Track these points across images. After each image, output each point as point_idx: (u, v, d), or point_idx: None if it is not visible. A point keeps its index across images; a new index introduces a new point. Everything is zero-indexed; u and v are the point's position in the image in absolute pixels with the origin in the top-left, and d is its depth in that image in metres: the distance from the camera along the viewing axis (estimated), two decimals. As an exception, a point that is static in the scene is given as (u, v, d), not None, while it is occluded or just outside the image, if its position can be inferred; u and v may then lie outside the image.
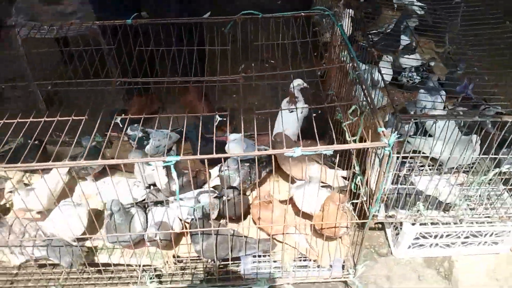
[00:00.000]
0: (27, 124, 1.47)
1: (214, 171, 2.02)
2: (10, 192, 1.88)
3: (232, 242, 1.72)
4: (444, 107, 2.17)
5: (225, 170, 1.88)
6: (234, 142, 1.95)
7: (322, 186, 1.90)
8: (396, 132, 1.29)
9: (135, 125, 2.11)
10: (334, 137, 1.34)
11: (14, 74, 2.91)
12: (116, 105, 2.82)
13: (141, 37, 1.87)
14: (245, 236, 1.79)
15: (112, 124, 1.48)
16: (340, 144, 1.47)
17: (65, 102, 2.73)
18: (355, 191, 1.68)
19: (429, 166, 2.12)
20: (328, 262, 1.80)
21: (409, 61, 2.46)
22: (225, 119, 2.27)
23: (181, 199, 1.76)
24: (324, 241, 1.77)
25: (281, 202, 1.98)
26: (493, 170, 1.75)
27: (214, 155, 1.33)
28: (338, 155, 1.55)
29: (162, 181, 1.80)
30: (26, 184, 2.00)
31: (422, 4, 2.78)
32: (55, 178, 1.88)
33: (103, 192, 1.84)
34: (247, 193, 1.98)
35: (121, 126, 2.12)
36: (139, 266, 1.82)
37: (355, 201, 1.64)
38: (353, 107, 1.49)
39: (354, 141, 1.57)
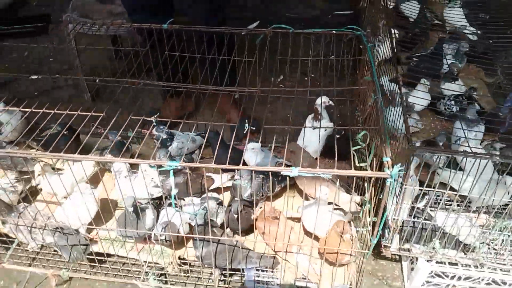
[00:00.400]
0: (51, 115, 1.57)
1: (218, 177, 2.02)
2: (39, 175, 2.00)
3: (233, 253, 1.72)
4: (481, 142, 2.04)
5: (237, 179, 1.88)
6: (251, 151, 1.96)
7: (335, 209, 1.85)
8: (401, 164, 1.23)
9: (161, 126, 2.19)
10: (336, 159, 1.29)
11: (65, 65, 3.13)
12: (157, 104, 2.94)
13: (174, 40, 1.92)
14: (248, 249, 1.78)
15: (127, 121, 1.53)
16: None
17: (107, 96, 2.89)
18: (362, 219, 1.62)
19: (456, 201, 2.00)
20: (330, 288, 1.74)
21: (451, 88, 2.32)
22: (254, 127, 2.29)
23: (181, 206, 1.79)
24: (329, 265, 1.72)
25: (294, 219, 1.95)
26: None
27: (212, 165, 1.34)
28: (338, 179, 1.50)
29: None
30: (58, 169, 2.14)
31: (475, 31, 2.62)
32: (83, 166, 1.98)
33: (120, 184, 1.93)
34: (259, 205, 1.97)
35: (154, 124, 2.22)
36: (145, 262, 1.87)
37: (359, 229, 1.58)
38: (363, 132, 1.44)
39: (366, 167, 1.52)
